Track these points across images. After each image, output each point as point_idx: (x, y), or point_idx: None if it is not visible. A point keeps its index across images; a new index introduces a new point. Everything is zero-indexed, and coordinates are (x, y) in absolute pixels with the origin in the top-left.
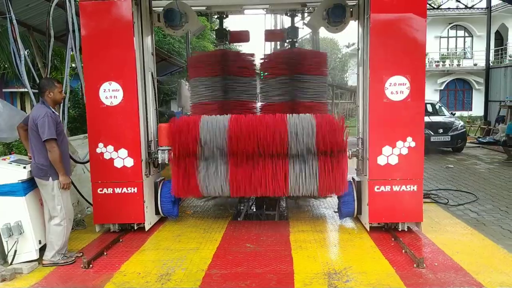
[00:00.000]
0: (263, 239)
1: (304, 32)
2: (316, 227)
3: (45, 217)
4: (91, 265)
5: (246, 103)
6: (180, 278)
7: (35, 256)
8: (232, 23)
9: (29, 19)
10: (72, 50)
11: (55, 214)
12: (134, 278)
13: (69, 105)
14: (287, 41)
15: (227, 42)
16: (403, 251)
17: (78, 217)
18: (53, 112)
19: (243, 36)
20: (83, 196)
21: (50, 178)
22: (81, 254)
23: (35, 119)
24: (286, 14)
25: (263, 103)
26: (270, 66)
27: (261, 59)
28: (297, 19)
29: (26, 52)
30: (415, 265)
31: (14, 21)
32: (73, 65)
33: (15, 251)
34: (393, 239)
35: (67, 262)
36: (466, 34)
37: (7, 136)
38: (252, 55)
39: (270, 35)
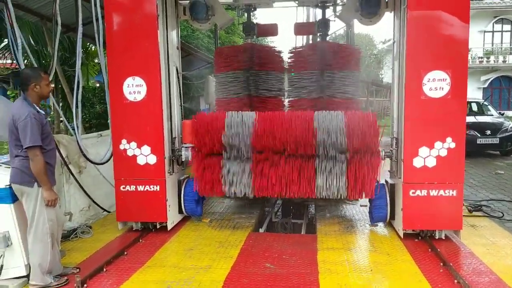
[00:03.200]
0: (285, 258)
1: (338, 27)
2: (349, 244)
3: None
4: (85, 285)
5: (273, 99)
6: None
7: (24, 272)
8: (265, 17)
9: (41, 7)
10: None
11: (36, 228)
12: None
13: (93, 100)
14: (318, 35)
15: (254, 36)
16: (456, 281)
17: (86, 223)
18: (37, 111)
19: (271, 30)
20: (94, 201)
21: (36, 184)
22: (78, 269)
23: (15, 120)
24: (317, 6)
25: (291, 99)
26: (298, 60)
27: (289, 52)
28: (329, 11)
29: (23, 40)
30: None
31: (10, 5)
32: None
33: (1, 265)
34: (441, 264)
35: (59, 284)
36: None
37: (1, 133)
38: (279, 50)
39: (300, 29)
